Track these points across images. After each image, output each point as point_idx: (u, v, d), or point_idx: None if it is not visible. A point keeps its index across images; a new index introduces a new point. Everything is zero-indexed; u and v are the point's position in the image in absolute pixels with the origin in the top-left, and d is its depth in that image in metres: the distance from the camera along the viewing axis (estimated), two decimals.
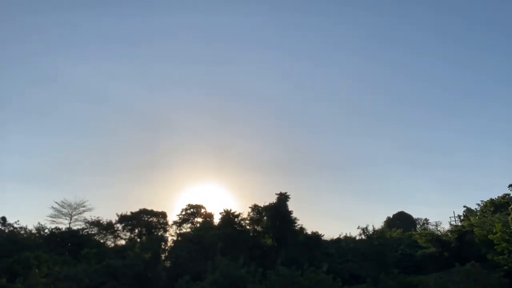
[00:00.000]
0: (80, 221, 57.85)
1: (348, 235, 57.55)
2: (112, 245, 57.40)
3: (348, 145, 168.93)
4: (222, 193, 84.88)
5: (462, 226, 58.23)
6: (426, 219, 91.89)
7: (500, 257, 43.73)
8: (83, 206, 58.31)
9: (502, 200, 59.89)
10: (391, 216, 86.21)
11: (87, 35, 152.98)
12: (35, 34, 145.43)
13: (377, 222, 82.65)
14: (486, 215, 55.35)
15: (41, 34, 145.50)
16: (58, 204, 57.59)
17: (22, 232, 56.04)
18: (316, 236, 55.86)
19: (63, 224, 57.24)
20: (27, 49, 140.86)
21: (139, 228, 57.88)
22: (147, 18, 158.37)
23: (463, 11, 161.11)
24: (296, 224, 57.29)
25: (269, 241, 50.72)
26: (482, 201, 64.48)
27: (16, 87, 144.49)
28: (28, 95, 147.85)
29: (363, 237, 55.83)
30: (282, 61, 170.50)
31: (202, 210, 59.02)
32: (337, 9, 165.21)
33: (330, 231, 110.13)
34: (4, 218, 56.99)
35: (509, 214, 46.40)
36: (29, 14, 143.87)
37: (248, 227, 57.40)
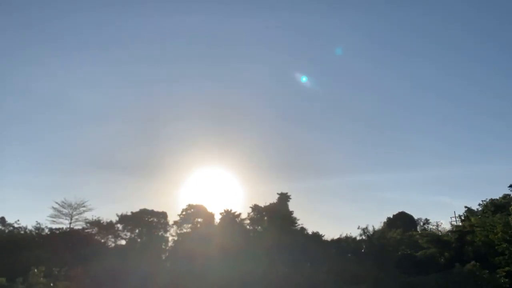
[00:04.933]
0: (81, 221, 57.74)
1: (348, 235, 57.40)
2: (113, 245, 57.29)
3: (348, 145, 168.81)
4: (222, 193, 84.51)
5: (463, 226, 58.06)
6: (426, 219, 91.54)
7: (501, 257, 43.69)
8: (84, 206, 58.16)
9: (502, 201, 59.80)
10: (391, 216, 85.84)
11: (85, 38, 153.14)
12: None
13: (377, 222, 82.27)
14: (487, 215, 55.16)
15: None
16: (58, 204, 57.36)
17: (22, 232, 55.96)
18: (316, 236, 55.83)
19: (63, 224, 57.16)
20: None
21: (140, 228, 57.71)
22: (146, 20, 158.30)
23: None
24: (296, 224, 57.30)
25: (269, 242, 50.59)
26: (483, 201, 64.32)
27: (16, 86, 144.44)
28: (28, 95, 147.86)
29: (364, 237, 55.71)
30: (283, 61, 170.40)
31: (203, 210, 58.78)
32: (338, 12, 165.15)
33: (330, 231, 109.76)
34: (3, 218, 56.99)
35: (509, 215, 46.35)
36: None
37: (248, 227, 57.34)
